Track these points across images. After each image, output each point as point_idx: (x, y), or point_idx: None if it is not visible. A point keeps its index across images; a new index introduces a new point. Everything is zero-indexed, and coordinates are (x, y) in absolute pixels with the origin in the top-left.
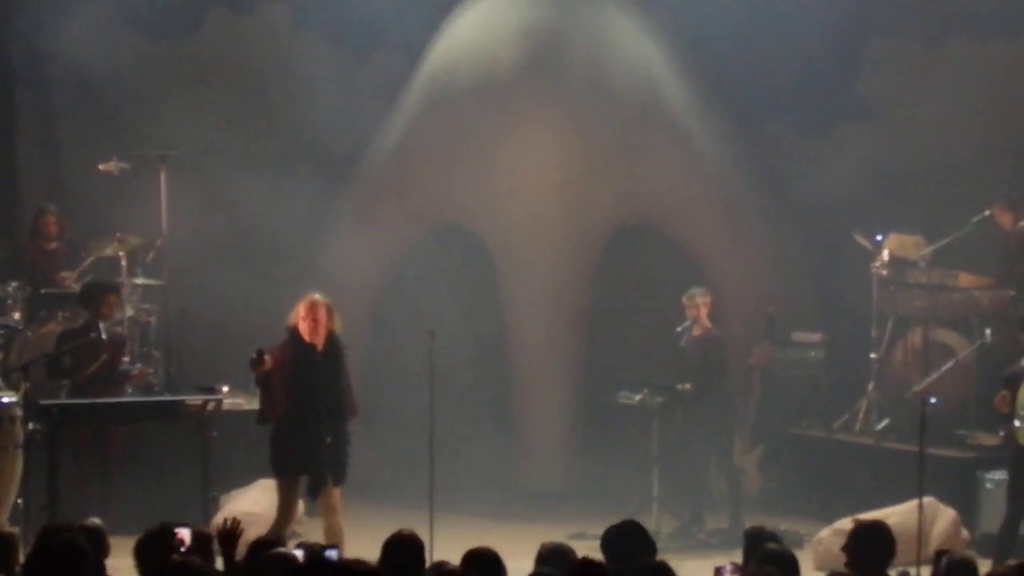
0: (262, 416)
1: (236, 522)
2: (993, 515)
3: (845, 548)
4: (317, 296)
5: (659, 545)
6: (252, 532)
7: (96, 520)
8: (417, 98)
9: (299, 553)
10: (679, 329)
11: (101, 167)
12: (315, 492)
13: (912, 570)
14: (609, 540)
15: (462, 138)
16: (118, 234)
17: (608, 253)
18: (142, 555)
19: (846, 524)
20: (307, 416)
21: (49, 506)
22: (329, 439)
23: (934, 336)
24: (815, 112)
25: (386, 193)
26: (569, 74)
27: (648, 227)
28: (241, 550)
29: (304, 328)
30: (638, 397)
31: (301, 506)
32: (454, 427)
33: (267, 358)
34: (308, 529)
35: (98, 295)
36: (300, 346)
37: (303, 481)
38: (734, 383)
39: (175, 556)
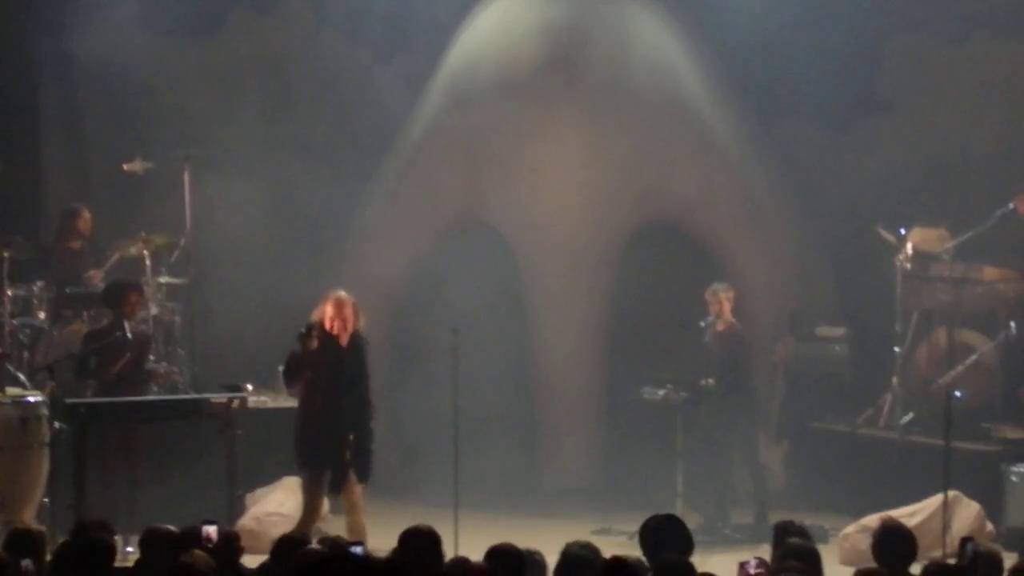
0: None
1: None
2: (1018, 508)
3: (872, 548)
4: (343, 294)
5: None
6: (277, 532)
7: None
8: (439, 96)
9: (324, 550)
10: (702, 325)
11: (125, 167)
12: (337, 488)
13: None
14: (647, 532)
15: (484, 136)
16: (143, 233)
17: (631, 250)
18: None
19: (872, 521)
20: (331, 412)
21: (75, 505)
22: (352, 436)
23: (959, 337)
24: (837, 108)
25: (409, 191)
26: (591, 72)
27: (671, 224)
28: (267, 548)
29: (330, 325)
30: (662, 393)
31: (326, 503)
32: (477, 424)
33: (315, 335)
34: (332, 526)
35: (122, 294)
36: (326, 342)
37: (327, 476)
38: (758, 378)
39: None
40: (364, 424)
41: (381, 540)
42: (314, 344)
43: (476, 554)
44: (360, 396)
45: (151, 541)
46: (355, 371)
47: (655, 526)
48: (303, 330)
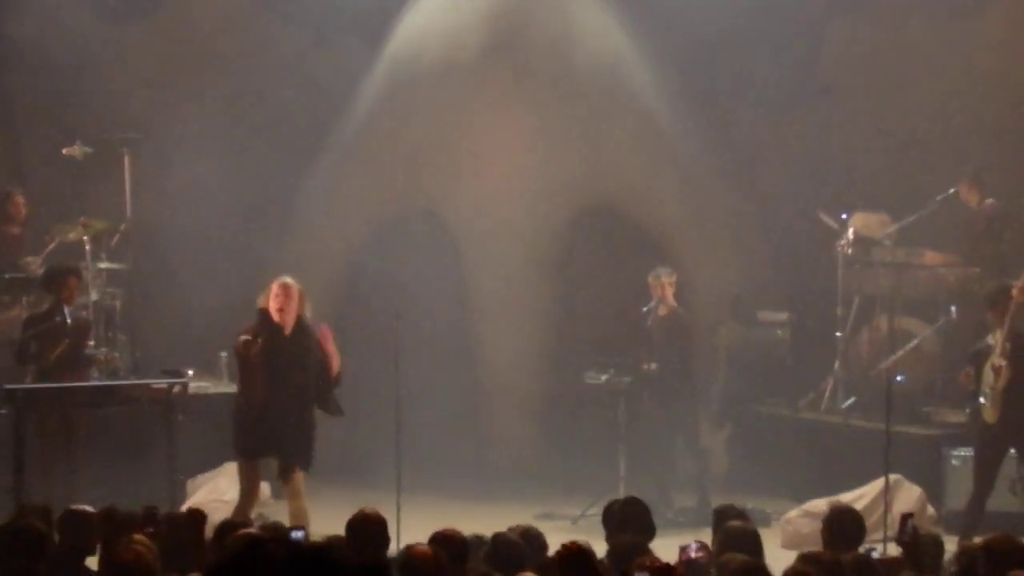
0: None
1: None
2: (959, 492)
3: (822, 531)
4: (288, 279)
5: None
6: (219, 518)
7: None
8: (382, 81)
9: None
10: (645, 309)
11: (64, 151)
12: (283, 475)
13: (879, 546)
14: (611, 515)
15: (427, 122)
16: (82, 218)
17: (574, 234)
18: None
19: (816, 506)
20: (269, 398)
21: (14, 489)
22: (292, 421)
23: (899, 323)
24: (779, 92)
25: (351, 176)
26: (535, 58)
27: (613, 208)
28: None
29: (274, 310)
30: (604, 377)
31: (267, 488)
32: (421, 408)
33: (259, 342)
34: (274, 511)
35: (61, 279)
36: (268, 327)
37: (264, 463)
38: (700, 363)
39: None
40: (305, 411)
41: (325, 524)
42: (256, 350)
43: (418, 536)
44: (301, 382)
45: (70, 522)
46: (297, 356)
47: (618, 509)
48: (247, 336)
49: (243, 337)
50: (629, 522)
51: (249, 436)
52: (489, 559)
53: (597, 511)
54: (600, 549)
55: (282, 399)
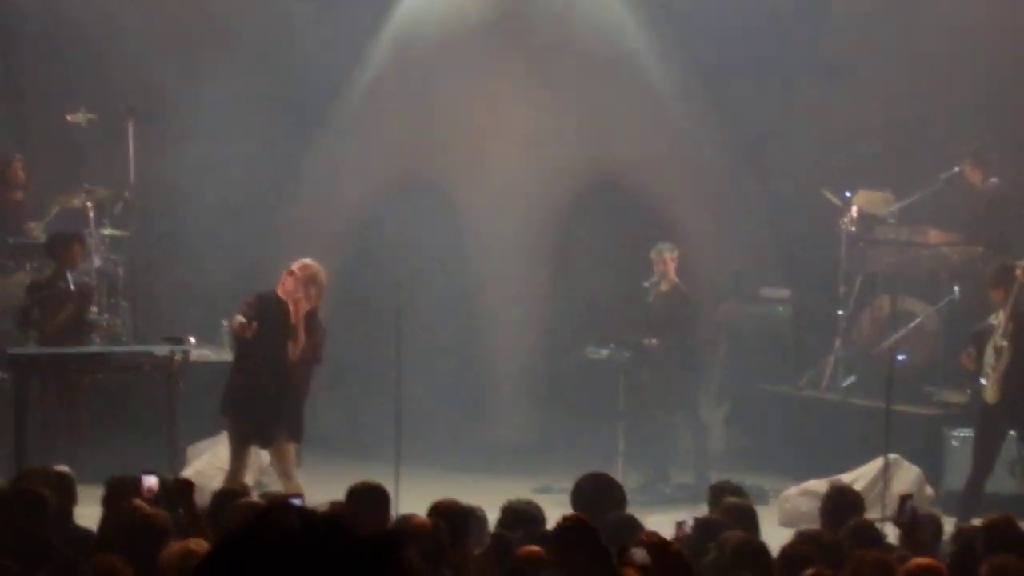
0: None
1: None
2: (958, 472)
3: (820, 510)
4: (308, 261)
5: None
6: (218, 486)
7: (65, 468)
8: (387, 52)
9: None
10: (646, 284)
11: (69, 118)
12: (266, 443)
13: (877, 525)
14: (580, 491)
15: (430, 93)
16: (86, 185)
17: (576, 209)
18: (108, 502)
19: (814, 485)
20: (262, 367)
21: (16, 454)
22: (280, 395)
23: (901, 303)
24: (784, 70)
25: (355, 148)
26: (538, 31)
27: (616, 183)
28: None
29: (285, 283)
30: (605, 352)
31: (262, 455)
32: (421, 381)
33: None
34: (273, 480)
35: (64, 245)
36: (265, 309)
37: (250, 427)
38: (701, 339)
39: (139, 503)
40: (296, 384)
41: (326, 496)
42: (250, 333)
43: (417, 509)
44: (287, 355)
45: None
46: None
47: (588, 485)
48: (242, 319)
49: (239, 319)
50: (598, 498)
51: (237, 398)
52: (502, 526)
53: None
54: None
55: (273, 375)
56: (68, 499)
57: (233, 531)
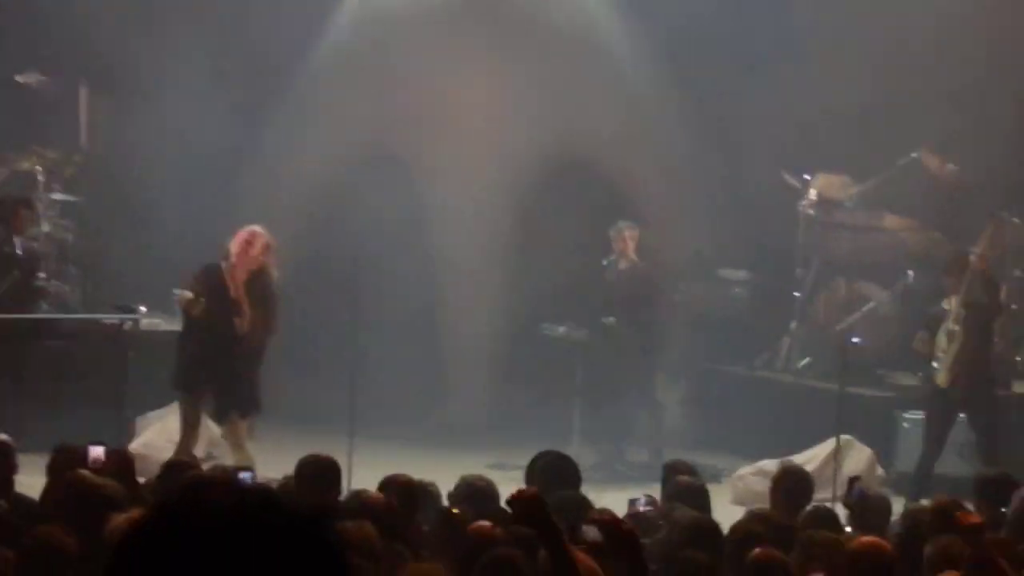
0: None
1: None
2: (909, 454)
3: (770, 491)
4: (257, 228)
5: None
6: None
7: (3, 436)
8: (350, 22)
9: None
10: (605, 263)
11: (19, 79)
12: (219, 419)
13: (828, 505)
14: (534, 468)
15: (394, 66)
16: (36, 148)
17: (538, 185)
18: (53, 471)
19: (767, 465)
20: (211, 339)
21: None
22: (230, 369)
23: (856, 287)
24: (746, 50)
25: (316, 118)
26: (504, 5)
27: (579, 160)
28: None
29: (235, 253)
30: (562, 329)
31: (216, 429)
32: (378, 355)
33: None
34: (224, 451)
35: (11, 209)
36: (212, 282)
37: (202, 399)
38: (659, 318)
39: (85, 473)
40: (247, 356)
41: (279, 468)
42: (198, 310)
43: (370, 483)
44: (241, 334)
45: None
46: (246, 302)
47: (542, 463)
48: (189, 295)
49: (185, 294)
50: (552, 475)
51: (188, 372)
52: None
53: None
54: None
55: (223, 348)
56: (7, 468)
57: (162, 505)
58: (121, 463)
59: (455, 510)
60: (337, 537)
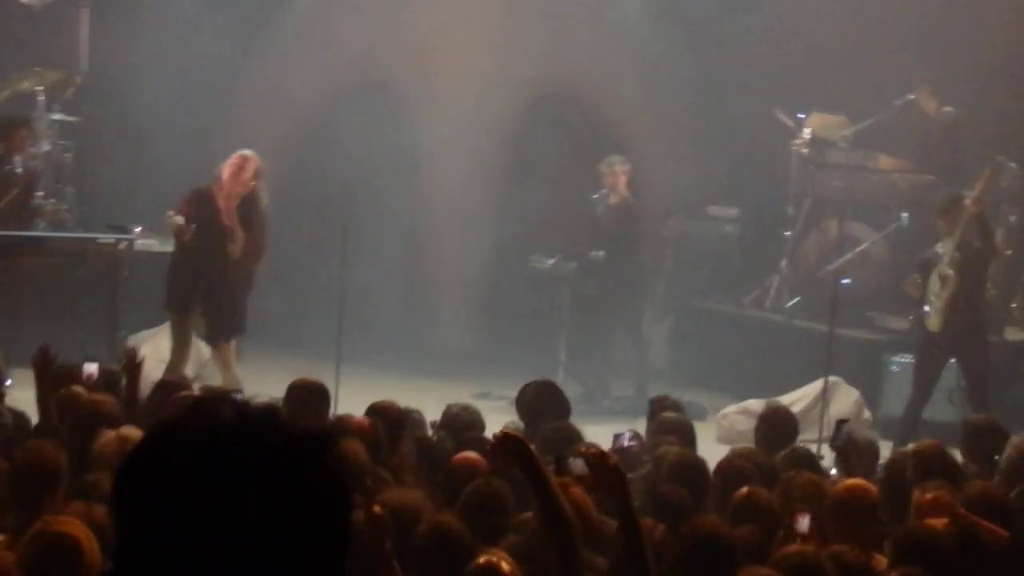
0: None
1: (135, 351)
2: (897, 398)
3: (755, 430)
4: (247, 152)
5: None
6: (158, 376)
7: None
8: None
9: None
10: (596, 196)
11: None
12: (210, 340)
13: (813, 447)
14: (524, 398)
15: None
16: (36, 68)
17: (528, 116)
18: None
19: (753, 405)
20: (201, 260)
21: None
22: (219, 292)
23: (849, 229)
24: None
25: (311, 41)
26: None
27: (570, 93)
28: (145, 391)
29: (226, 178)
30: (550, 262)
31: (206, 349)
32: (366, 284)
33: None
34: (212, 372)
35: (11, 129)
36: (201, 207)
37: (191, 319)
38: (647, 253)
39: (79, 389)
40: (237, 277)
41: (266, 391)
42: (188, 237)
43: (355, 409)
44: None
45: None
46: (230, 232)
47: (532, 392)
48: (180, 221)
49: (176, 219)
50: (543, 406)
51: (179, 293)
52: (439, 430)
53: None
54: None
55: (213, 271)
56: None
57: (165, 421)
58: (130, 368)
59: (437, 438)
60: (338, 457)
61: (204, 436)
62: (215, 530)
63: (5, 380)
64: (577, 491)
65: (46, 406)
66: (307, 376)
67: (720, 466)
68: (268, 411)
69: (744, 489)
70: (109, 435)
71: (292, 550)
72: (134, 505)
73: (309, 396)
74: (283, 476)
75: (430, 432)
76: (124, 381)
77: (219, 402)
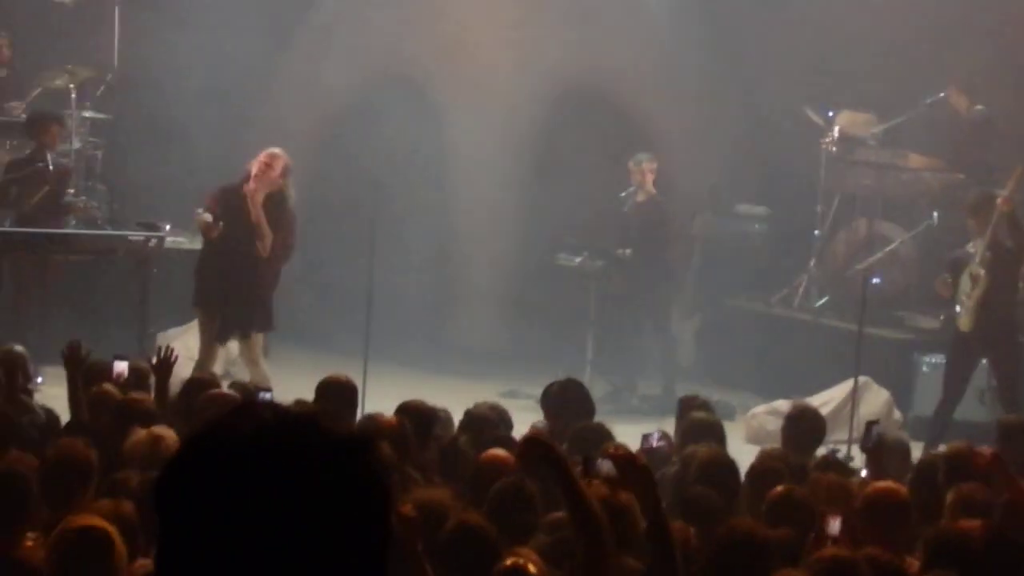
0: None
1: (170, 350)
2: (927, 398)
3: (782, 430)
4: (276, 150)
5: None
6: (187, 374)
7: (18, 347)
8: None
9: (234, 393)
10: (623, 194)
11: None
12: (238, 335)
13: (843, 448)
14: (549, 397)
15: None
16: (69, 66)
17: (555, 114)
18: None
19: (782, 405)
20: (228, 258)
21: None
22: (246, 289)
23: (878, 227)
24: None
25: (337, 40)
26: None
27: (597, 90)
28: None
29: (254, 176)
30: (578, 260)
31: (234, 346)
32: (392, 280)
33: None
34: (241, 369)
35: (42, 125)
36: (229, 203)
37: (222, 320)
38: (675, 251)
39: (109, 387)
40: (265, 274)
41: (294, 389)
42: (216, 233)
43: (382, 407)
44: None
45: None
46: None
47: (557, 391)
48: (208, 218)
49: (204, 217)
50: (568, 404)
51: (208, 291)
52: (463, 431)
53: None
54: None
55: (241, 269)
56: (14, 379)
57: (207, 423)
58: (162, 367)
59: (465, 437)
60: (380, 459)
61: (247, 438)
62: (259, 531)
63: (36, 377)
64: (624, 495)
65: (77, 403)
66: (334, 374)
67: (753, 466)
68: (310, 413)
69: (780, 487)
70: (140, 433)
71: (335, 550)
72: (178, 506)
73: (339, 394)
74: (326, 477)
75: (457, 430)
76: (153, 380)
77: (260, 405)
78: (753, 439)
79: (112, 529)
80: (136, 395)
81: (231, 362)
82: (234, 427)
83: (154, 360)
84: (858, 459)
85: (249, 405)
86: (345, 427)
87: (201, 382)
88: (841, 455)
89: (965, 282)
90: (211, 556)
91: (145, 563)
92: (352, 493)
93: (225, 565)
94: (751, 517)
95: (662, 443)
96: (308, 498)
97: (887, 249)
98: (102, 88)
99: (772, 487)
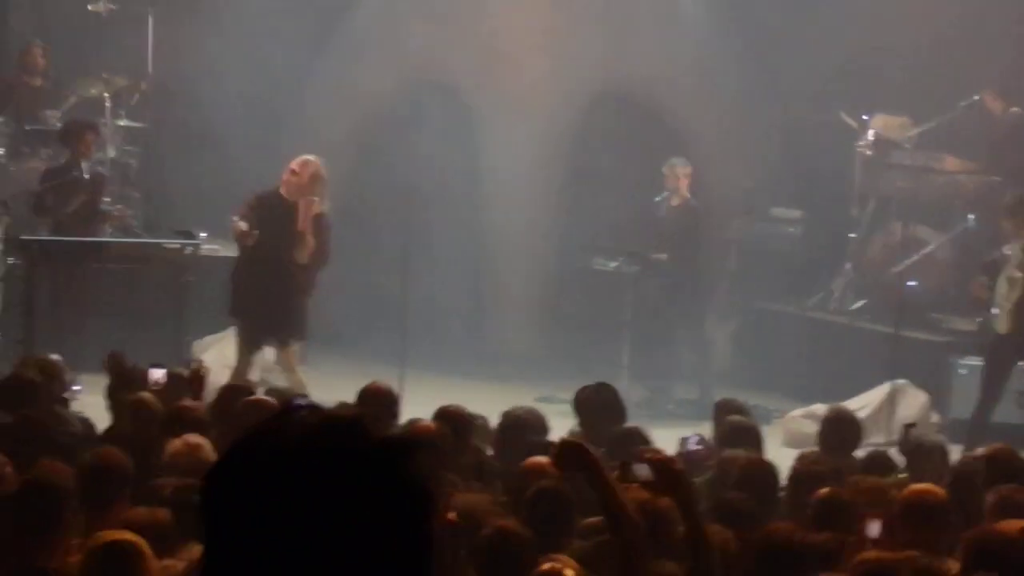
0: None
1: (200, 363)
2: (964, 401)
3: (819, 434)
4: (310, 157)
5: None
6: (223, 381)
7: (54, 356)
8: None
9: (272, 400)
10: (658, 199)
11: (90, 7)
12: (274, 343)
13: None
14: (581, 401)
15: None
16: (103, 74)
17: (590, 119)
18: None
19: (819, 408)
20: (263, 266)
21: (24, 340)
22: (280, 297)
23: (914, 231)
24: None
25: (370, 47)
26: None
27: (631, 95)
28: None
29: (286, 181)
30: (613, 264)
31: (271, 354)
32: (428, 286)
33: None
34: (277, 377)
35: (79, 133)
36: (264, 210)
37: (255, 326)
38: (710, 255)
39: (145, 394)
40: (301, 283)
41: (331, 394)
42: (251, 241)
43: (419, 413)
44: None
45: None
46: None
47: (588, 395)
48: (243, 226)
49: (240, 225)
50: (600, 408)
51: (243, 299)
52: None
53: None
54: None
55: (278, 276)
56: (50, 388)
57: (254, 427)
58: (196, 378)
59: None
60: (423, 465)
61: (293, 441)
62: (305, 535)
63: (74, 385)
64: (661, 499)
65: (120, 411)
66: (374, 380)
67: (795, 469)
68: (355, 417)
69: (824, 490)
70: (177, 441)
71: (380, 554)
72: (224, 509)
73: (380, 400)
74: (372, 480)
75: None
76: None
77: (304, 409)
78: (790, 443)
79: (142, 541)
80: (190, 402)
81: (267, 369)
82: (281, 430)
83: (190, 371)
84: (898, 461)
85: (294, 408)
86: (388, 430)
87: (237, 389)
88: None
89: (1002, 285)
90: (258, 557)
91: (172, 563)
92: (397, 496)
93: (272, 565)
94: (792, 521)
95: (700, 447)
96: (354, 500)
97: (923, 252)
98: (137, 96)
99: (814, 491)
